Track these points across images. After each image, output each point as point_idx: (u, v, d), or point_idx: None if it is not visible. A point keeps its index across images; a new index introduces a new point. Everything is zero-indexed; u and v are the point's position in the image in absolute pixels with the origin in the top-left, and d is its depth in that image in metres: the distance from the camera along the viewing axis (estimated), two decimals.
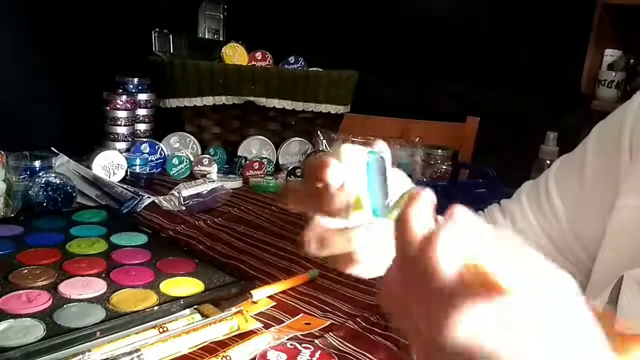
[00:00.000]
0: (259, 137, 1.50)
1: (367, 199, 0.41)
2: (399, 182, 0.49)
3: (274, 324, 0.72)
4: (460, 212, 0.32)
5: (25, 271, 0.77)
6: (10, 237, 0.88)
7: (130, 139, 1.39)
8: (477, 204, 0.79)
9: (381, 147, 0.45)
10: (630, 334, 0.31)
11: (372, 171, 0.43)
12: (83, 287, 0.73)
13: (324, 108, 1.52)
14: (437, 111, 1.74)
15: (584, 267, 0.63)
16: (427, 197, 0.34)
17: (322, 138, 1.53)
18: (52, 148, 1.20)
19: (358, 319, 0.75)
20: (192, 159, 1.41)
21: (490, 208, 0.75)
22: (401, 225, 0.33)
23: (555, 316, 0.29)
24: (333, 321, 0.74)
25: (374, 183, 0.42)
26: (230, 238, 1.01)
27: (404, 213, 0.33)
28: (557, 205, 0.66)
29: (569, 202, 0.65)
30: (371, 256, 0.47)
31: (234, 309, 0.72)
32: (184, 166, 1.38)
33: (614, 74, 1.93)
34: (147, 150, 1.36)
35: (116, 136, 1.37)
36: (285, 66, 1.53)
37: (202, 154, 1.45)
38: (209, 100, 1.44)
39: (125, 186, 1.19)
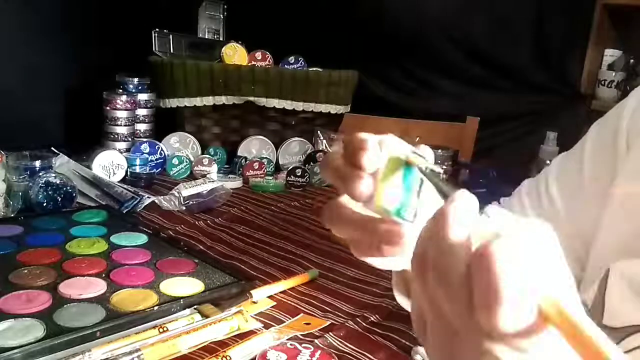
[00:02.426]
0: (259, 137, 1.50)
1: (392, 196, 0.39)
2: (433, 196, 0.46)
3: (274, 324, 0.72)
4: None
5: (25, 271, 0.77)
6: (10, 237, 0.88)
7: (130, 139, 1.39)
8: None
9: (425, 153, 0.43)
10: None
11: (410, 173, 0.41)
12: (83, 287, 0.73)
13: (324, 108, 1.52)
14: (437, 111, 1.74)
15: (584, 264, 0.63)
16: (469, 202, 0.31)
17: (322, 138, 1.53)
18: (52, 148, 1.20)
19: (358, 319, 0.75)
20: (192, 159, 1.41)
21: (490, 207, 0.75)
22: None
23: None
24: (333, 321, 0.74)
25: (408, 184, 0.40)
26: (230, 238, 1.01)
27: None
28: (557, 203, 0.66)
29: (569, 200, 0.65)
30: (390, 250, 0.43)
31: (234, 309, 0.72)
32: (184, 166, 1.38)
33: (614, 74, 1.93)
34: (147, 150, 1.36)
35: (116, 136, 1.37)
36: (285, 66, 1.53)
37: (202, 154, 1.45)
38: (209, 100, 1.44)
39: (125, 186, 1.19)
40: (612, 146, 0.62)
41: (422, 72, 1.88)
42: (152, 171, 1.34)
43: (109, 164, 1.26)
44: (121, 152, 1.32)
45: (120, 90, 1.41)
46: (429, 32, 1.82)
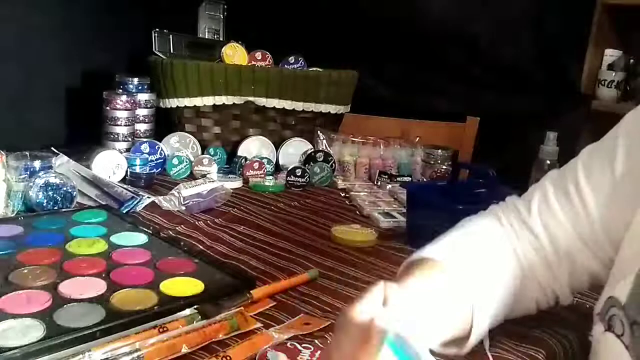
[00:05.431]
0: (259, 137, 1.50)
1: None
2: None
3: (274, 324, 0.72)
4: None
5: (25, 271, 0.77)
6: (10, 237, 0.88)
7: (130, 139, 1.39)
8: (477, 204, 0.79)
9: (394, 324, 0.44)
10: None
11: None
12: (83, 287, 0.73)
13: (324, 108, 1.52)
14: (437, 111, 1.74)
15: (608, 260, 0.63)
16: None
17: (322, 138, 1.53)
18: (52, 148, 1.20)
19: None
20: (192, 159, 1.41)
21: (511, 200, 0.73)
22: None
23: None
24: (333, 321, 0.74)
25: None
26: (230, 238, 1.01)
27: None
28: (587, 199, 0.64)
29: (600, 196, 0.64)
30: None
31: (234, 309, 0.72)
32: (184, 166, 1.38)
33: (614, 74, 1.93)
34: (147, 150, 1.36)
35: (116, 136, 1.37)
36: (285, 66, 1.53)
37: (202, 154, 1.45)
38: (209, 100, 1.44)
39: (125, 186, 1.19)
40: None
41: (422, 72, 1.88)
42: (152, 171, 1.33)
43: (109, 164, 1.26)
44: (121, 152, 1.32)
45: (120, 90, 1.40)
46: (429, 32, 1.82)
